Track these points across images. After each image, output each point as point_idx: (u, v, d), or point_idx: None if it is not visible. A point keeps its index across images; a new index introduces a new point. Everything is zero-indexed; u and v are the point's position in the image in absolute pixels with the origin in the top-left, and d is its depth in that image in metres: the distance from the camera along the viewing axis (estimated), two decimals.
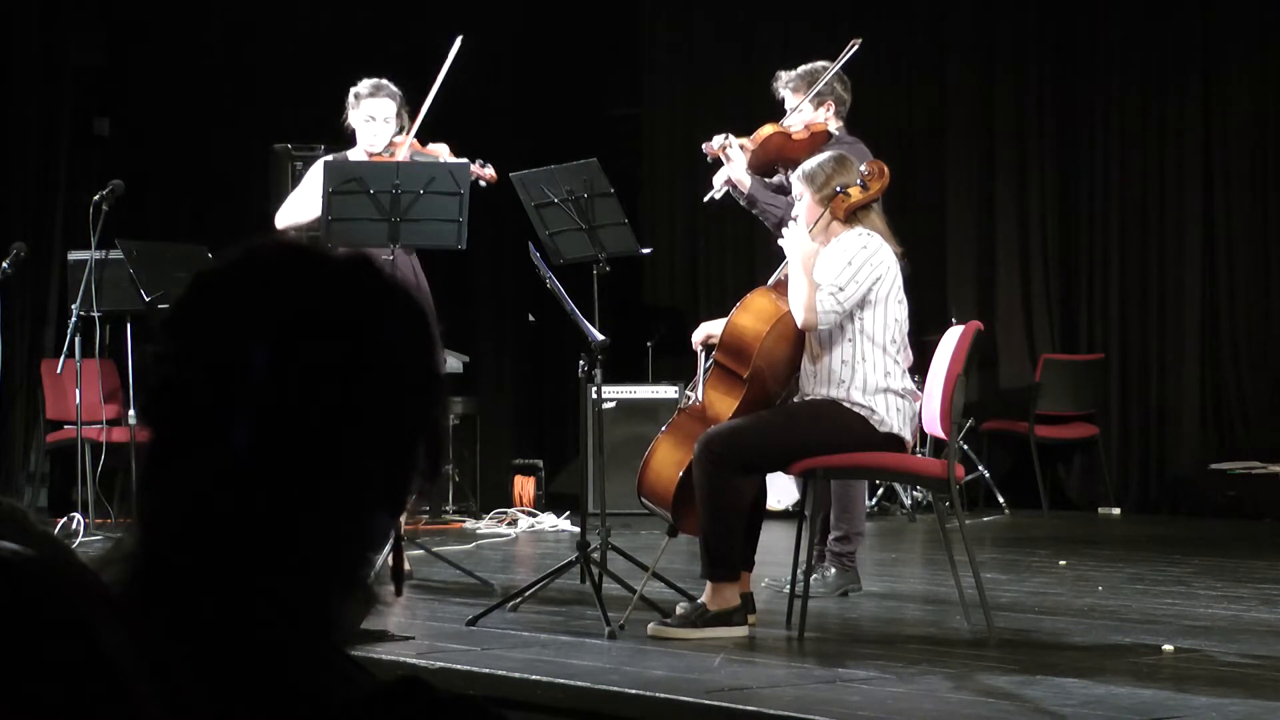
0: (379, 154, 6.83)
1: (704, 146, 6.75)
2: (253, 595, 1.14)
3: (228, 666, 1.10)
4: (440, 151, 6.94)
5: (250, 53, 10.95)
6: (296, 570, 1.16)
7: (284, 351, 1.14)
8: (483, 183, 6.84)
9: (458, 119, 11.02)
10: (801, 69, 6.73)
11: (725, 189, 6.68)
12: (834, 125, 6.66)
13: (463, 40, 6.89)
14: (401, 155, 6.79)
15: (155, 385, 1.17)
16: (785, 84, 6.72)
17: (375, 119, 6.82)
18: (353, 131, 6.92)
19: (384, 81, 6.88)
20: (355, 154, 6.90)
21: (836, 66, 6.72)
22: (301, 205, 6.89)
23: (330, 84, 7.00)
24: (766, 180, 6.69)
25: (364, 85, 6.88)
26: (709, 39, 11.68)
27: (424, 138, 6.99)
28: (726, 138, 6.65)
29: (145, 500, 1.18)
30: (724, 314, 5.72)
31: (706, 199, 6.86)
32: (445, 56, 6.89)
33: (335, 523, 1.16)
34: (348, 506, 1.17)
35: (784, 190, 6.51)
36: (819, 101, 6.66)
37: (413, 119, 6.91)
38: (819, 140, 6.52)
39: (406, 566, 6.75)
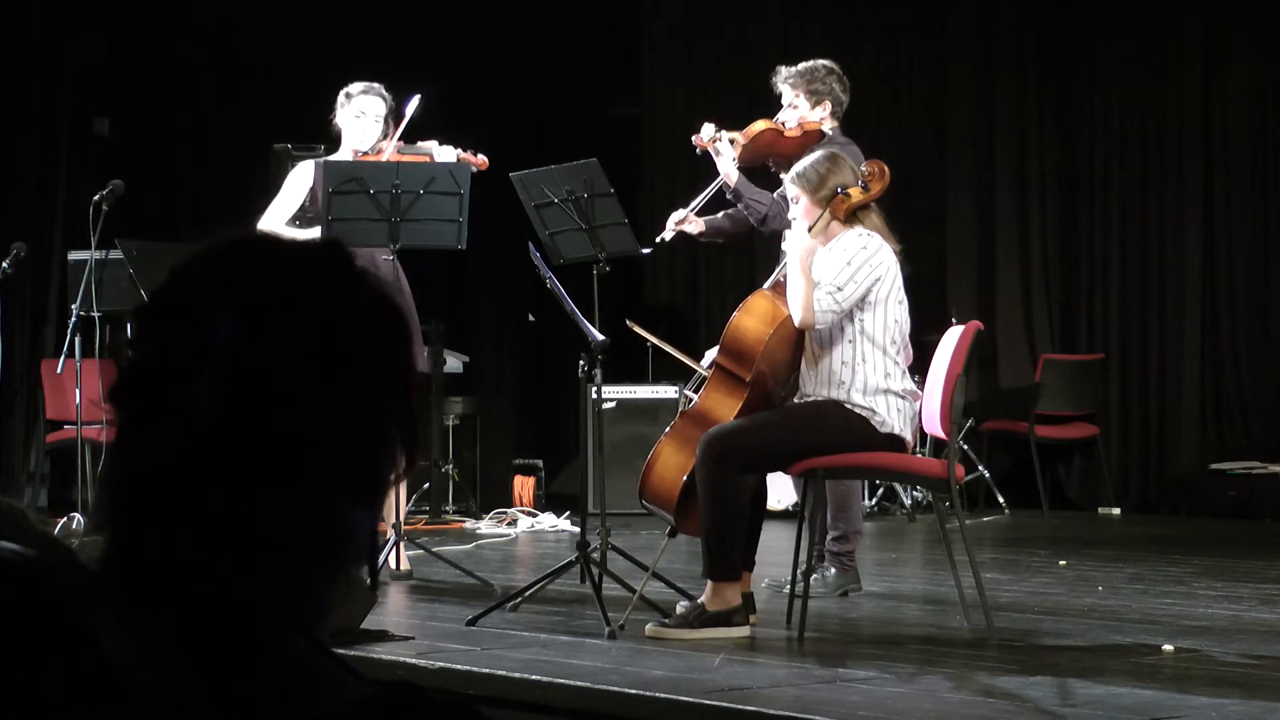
0: (366, 153, 6.86)
1: (693, 138, 6.75)
2: (220, 581, 1.14)
3: (201, 660, 1.10)
4: (430, 147, 6.97)
5: (250, 53, 10.95)
6: (265, 556, 1.15)
7: (250, 324, 1.14)
8: (474, 168, 6.88)
9: (458, 119, 11.04)
10: (802, 66, 6.72)
11: (675, 231, 6.73)
12: (829, 125, 6.66)
13: (421, 99, 6.92)
14: (386, 158, 6.82)
15: (123, 367, 1.18)
16: (784, 79, 6.71)
17: (365, 115, 6.87)
18: (339, 133, 6.96)
19: (375, 84, 6.94)
20: (341, 154, 6.93)
21: (403, 126, 6.85)
22: (281, 209, 6.92)
23: (330, 84, 7.03)
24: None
25: (354, 85, 6.97)
26: (709, 39, 11.68)
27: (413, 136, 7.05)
28: (717, 131, 6.65)
29: (109, 482, 1.17)
30: (723, 315, 5.72)
31: (657, 241, 6.89)
32: (409, 105, 6.94)
33: (305, 508, 1.16)
34: (317, 491, 1.16)
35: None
36: (816, 100, 6.65)
37: (397, 126, 6.94)
38: (811, 139, 6.52)
39: (406, 566, 6.79)
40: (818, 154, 5.65)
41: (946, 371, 5.46)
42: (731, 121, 6.82)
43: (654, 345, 6.56)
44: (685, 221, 6.76)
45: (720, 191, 6.76)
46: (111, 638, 1.01)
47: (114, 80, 10.87)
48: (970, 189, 10.90)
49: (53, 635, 0.98)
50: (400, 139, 6.95)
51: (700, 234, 6.85)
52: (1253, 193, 10.09)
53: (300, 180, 6.93)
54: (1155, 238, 10.35)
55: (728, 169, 6.62)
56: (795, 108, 6.66)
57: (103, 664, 0.99)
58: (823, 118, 6.65)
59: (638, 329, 6.57)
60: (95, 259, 8.39)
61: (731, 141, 6.63)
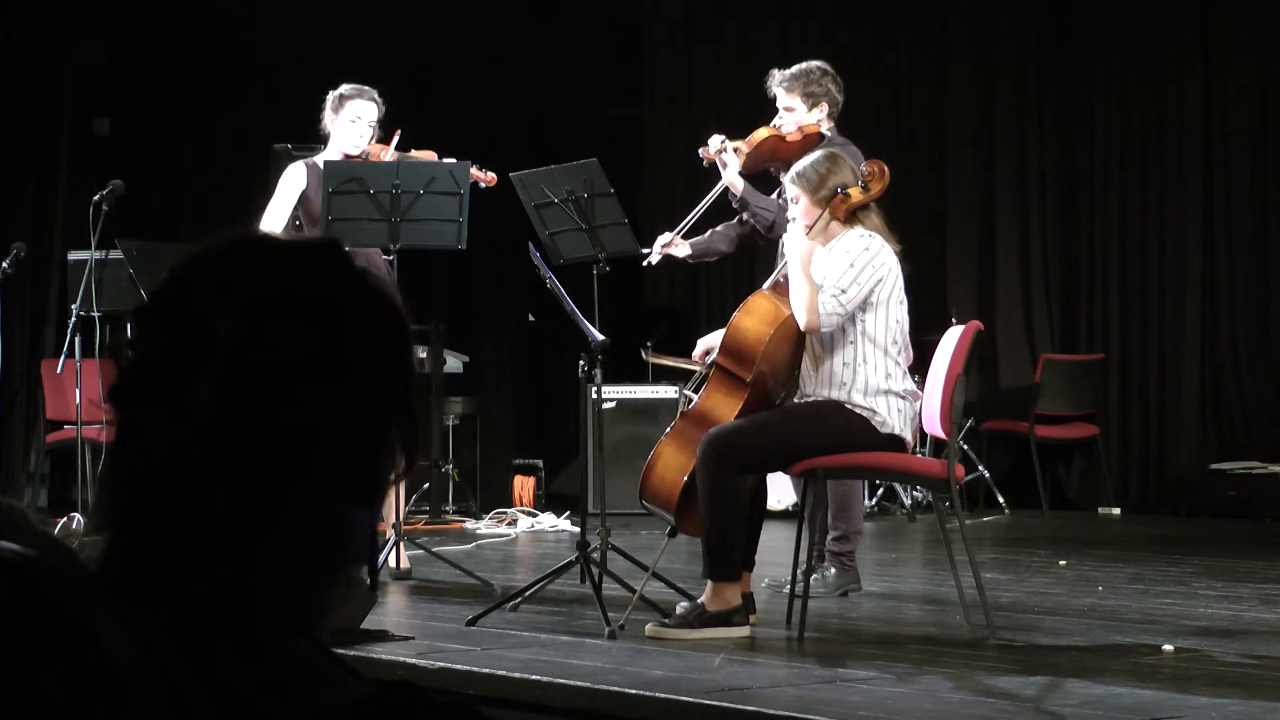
0: (357, 157, 6.84)
1: (700, 151, 6.75)
2: (220, 581, 1.14)
3: (201, 660, 1.10)
4: (429, 157, 6.97)
5: (250, 53, 10.95)
6: (265, 556, 1.15)
7: (249, 324, 1.14)
8: (482, 184, 6.91)
9: (458, 119, 11.05)
10: (795, 68, 6.73)
11: (662, 255, 6.73)
12: (826, 126, 6.67)
13: (401, 133, 6.92)
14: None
15: (123, 368, 1.18)
16: (779, 83, 6.71)
17: (360, 119, 6.84)
18: (328, 135, 6.94)
19: (366, 87, 6.92)
20: (329, 156, 6.90)
21: (393, 143, 6.88)
22: (276, 213, 6.90)
23: (330, 85, 7.01)
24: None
25: (347, 87, 6.90)
26: (709, 39, 11.68)
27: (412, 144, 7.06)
28: (723, 142, 6.65)
29: (109, 482, 1.17)
30: (723, 315, 5.71)
31: (645, 263, 6.88)
32: (390, 141, 6.95)
33: (305, 508, 1.16)
34: (317, 491, 1.16)
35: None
36: (813, 102, 6.65)
37: (388, 130, 6.92)
38: (811, 141, 6.52)
39: (405, 565, 6.79)
40: (817, 154, 5.64)
41: (946, 371, 5.46)
42: (731, 122, 6.82)
43: (674, 362, 6.54)
44: (671, 245, 6.76)
45: (722, 200, 6.76)
46: (111, 638, 1.01)
47: (114, 80, 10.86)
48: (970, 189, 10.90)
49: (53, 635, 0.98)
50: (396, 149, 6.93)
51: (688, 257, 6.85)
52: (1253, 193, 10.09)
53: (292, 183, 6.90)
54: (1155, 238, 10.35)
55: (734, 179, 6.63)
56: (791, 110, 6.66)
57: (103, 664, 0.99)
58: (820, 119, 6.65)
59: (656, 358, 6.58)
60: (95, 259, 8.39)
61: (735, 150, 6.64)
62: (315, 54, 10.41)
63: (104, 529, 1.17)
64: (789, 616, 5.48)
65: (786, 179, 5.68)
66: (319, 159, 6.90)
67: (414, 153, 7.00)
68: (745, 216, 6.72)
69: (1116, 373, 10.42)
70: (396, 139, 6.91)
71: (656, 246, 6.77)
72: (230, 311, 1.15)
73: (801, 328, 5.41)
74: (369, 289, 1.20)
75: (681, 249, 6.78)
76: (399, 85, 7.07)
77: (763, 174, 6.84)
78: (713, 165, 6.72)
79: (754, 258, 9.77)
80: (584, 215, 6.44)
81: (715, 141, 6.67)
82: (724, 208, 6.83)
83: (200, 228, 9.83)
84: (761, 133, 6.67)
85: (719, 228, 6.84)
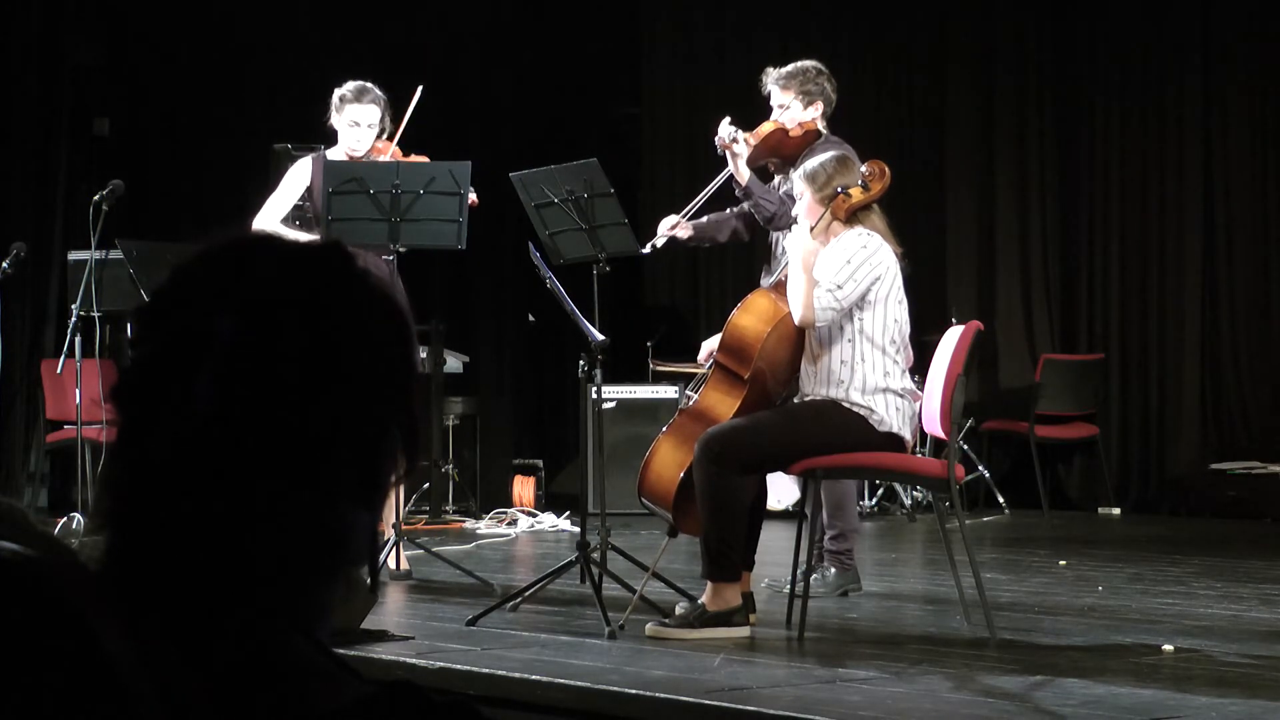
0: (360, 157, 6.83)
1: (715, 140, 6.70)
2: (220, 581, 1.14)
3: (201, 660, 1.10)
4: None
5: (250, 53, 10.95)
6: (266, 556, 1.15)
7: (250, 324, 1.14)
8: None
9: (458, 119, 11.04)
10: (791, 67, 6.74)
11: (667, 237, 6.74)
12: (821, 125, 6.67)
13: (423, 90, 6.90)
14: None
15: (125, 367, 1.18)
16: (774, 81, 6.72)
17: (360, 124, 6.79)
18: (333, 131, 6.93)
19: (369, 86, 6.84)
20: (335, 154, 6.90)
21: (405, 120, 6.90)
22: (277, 206, 6.90)
23: (330, 84, 7.00)
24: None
25: (349, 89, 6.83)
26: (709, 39, 11.68)
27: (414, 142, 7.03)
28: (736, 131, 6.65)
29: (110, 482, 1.18)
30: (723, 315, 5.72)
31: (648, 247, 6.85)
32: (410, 102, 6.92)
33: (305, 508, 1.16)
34: (318, 491, 1.16)
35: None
36: (809, 100, 6.66)
37: (395, 125, 6.91)
38: (810, 139, 6.54)
39: (405, 565, 6.79)
40: (829, 154, 5.67)
41: (946, 371, 5.46)
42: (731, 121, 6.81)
43: (676, 368, 6.56)
44: (678, 227, 6.77)
45: (723, 189, 6.77)
46: (111, 638, 1.01)
47: (114, 80, 10.86)
48: (970, 189, 10.90)
49: (53, 635, 0.98)
50: (398, 145, 6.91)
51: (689, 238, 6.86)
52: (1252, 192, 10.10)
53: (298, 177, 6.92)
54: (1155, 238, 10.35)
55: (743, 169, 6.63)
56: (785, 108, 6.66)
57: (103, 664, 0.99)
58: (815, 117, 6.66)
59: (660, 365, 6.59)
60: (95, 259, 8.39)
61: (745, 141, 6.65)
62: (315, 54, 10.41)
63: (104, 529, 1.17)
64: (789, 616, 5.49)
65: (795, 175, 5.69)
66: (328, 153, 6.90)
67: (411, 158, 6.94)
68: (747, 206, 6.72)
69: (1116, 373, 10.42)
70: (418, 95, 6.86)
71: (663, 229, 6.77)
72: (231, 312, 1.15)
73: (796, 322, 5.42)
74: (370, 289, 1.21)
75: (684, 230, 6.79)
76: (399, 85, 7.05)
77: (760, 169, 6.84)
78: (708, 151, 6.72)
79: (754, 257, 9.77)
80: (584, 215, 6.44)
81: (729, 130, 6.65)
82: (724, 196, 6.82)
83: (200, 228, 9.82)
84: (767, 126, 6.67)
85: (718, 215, 6.84)
